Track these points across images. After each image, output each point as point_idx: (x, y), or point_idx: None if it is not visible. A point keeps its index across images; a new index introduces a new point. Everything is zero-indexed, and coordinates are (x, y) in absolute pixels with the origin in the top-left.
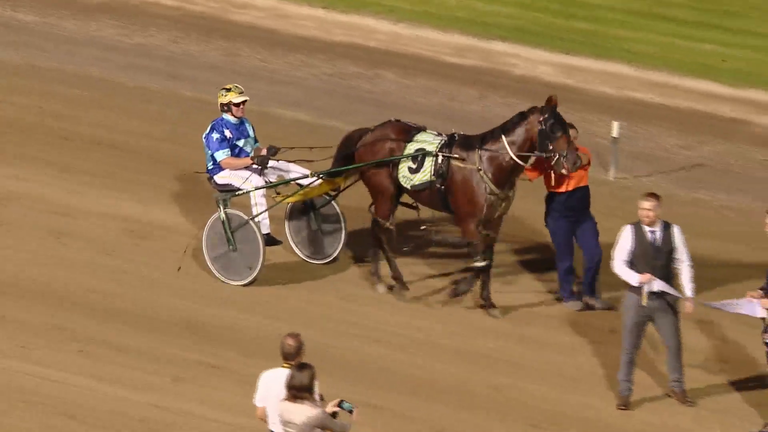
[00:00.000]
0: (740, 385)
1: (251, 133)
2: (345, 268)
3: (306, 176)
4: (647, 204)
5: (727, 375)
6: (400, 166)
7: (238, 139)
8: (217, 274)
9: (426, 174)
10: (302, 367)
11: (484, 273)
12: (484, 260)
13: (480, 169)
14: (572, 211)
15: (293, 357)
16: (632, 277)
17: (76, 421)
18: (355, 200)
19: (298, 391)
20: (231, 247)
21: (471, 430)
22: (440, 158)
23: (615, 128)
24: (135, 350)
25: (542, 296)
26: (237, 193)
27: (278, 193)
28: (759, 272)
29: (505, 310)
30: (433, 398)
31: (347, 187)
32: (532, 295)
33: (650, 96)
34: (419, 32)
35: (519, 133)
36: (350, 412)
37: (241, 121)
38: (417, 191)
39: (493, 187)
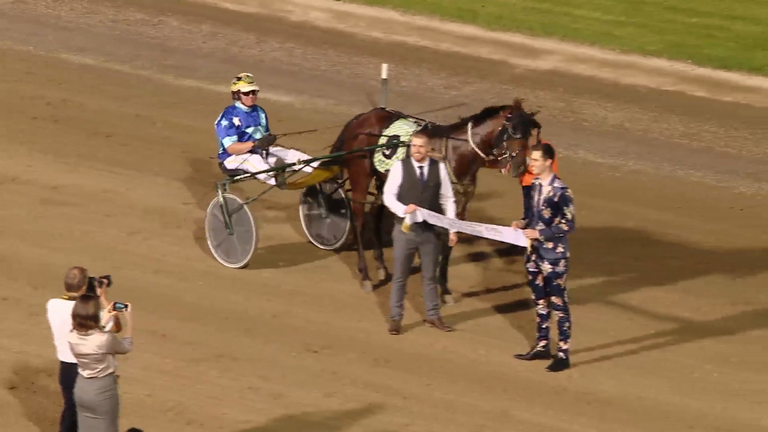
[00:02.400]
0: (503, 309)
1: (263, 121)
2: (129, 204)
3: (293, 164)
4: (419, 141)
5: (491, 300)
6: (376, 151)
7: (248, 126)
8: (219, 259)
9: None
10: (87, 298)
11: (444, 259)
12: None
13: (445, 158)
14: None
15: (76, 288)
16: (399, 209)
17: None
18: None
19: (83, 320)
20: (228, 230)
21: (251, 354)
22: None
23: (384, 70)
24: None
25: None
26: (236, 178)
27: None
28: (519, 204)
29: (282, 239)
30: (215, 325)
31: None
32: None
33: (416, 39)
34: None
35: (485, 126)
36: (126, 307)
37: (254, 109)
38: None
39: (452, 176)
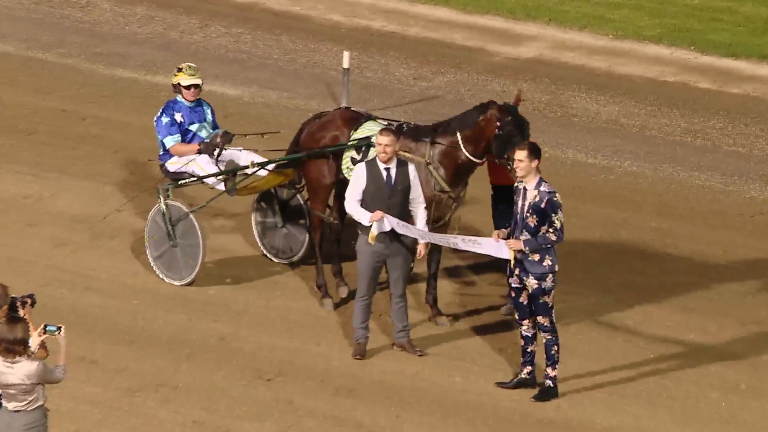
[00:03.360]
0: (483, 331)
1: (209, 117)
2: (54, 211)
3: (246, 167)
4: (385, 139)
5: (469, 321)
6: (343, 157)
7: (191, 123)
8: (158, 273)
9: None
10: (14, 320)
11: (432, 278)
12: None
13: (429, 164)
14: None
15: None
16: (364, 217)
17: None
18: None
19: (11, 345)
20: (171, 242)
21: (194, 382)
22: None
23: (346, 58)
24: None
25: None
26: (180, 182)
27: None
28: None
29: (231, 251)
30: (154, 349)
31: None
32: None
33: (382, 24)
34: None
35: (476, 131)
36: (58, 330)
37: (198, 103)
38: None
39: (443, 184)
